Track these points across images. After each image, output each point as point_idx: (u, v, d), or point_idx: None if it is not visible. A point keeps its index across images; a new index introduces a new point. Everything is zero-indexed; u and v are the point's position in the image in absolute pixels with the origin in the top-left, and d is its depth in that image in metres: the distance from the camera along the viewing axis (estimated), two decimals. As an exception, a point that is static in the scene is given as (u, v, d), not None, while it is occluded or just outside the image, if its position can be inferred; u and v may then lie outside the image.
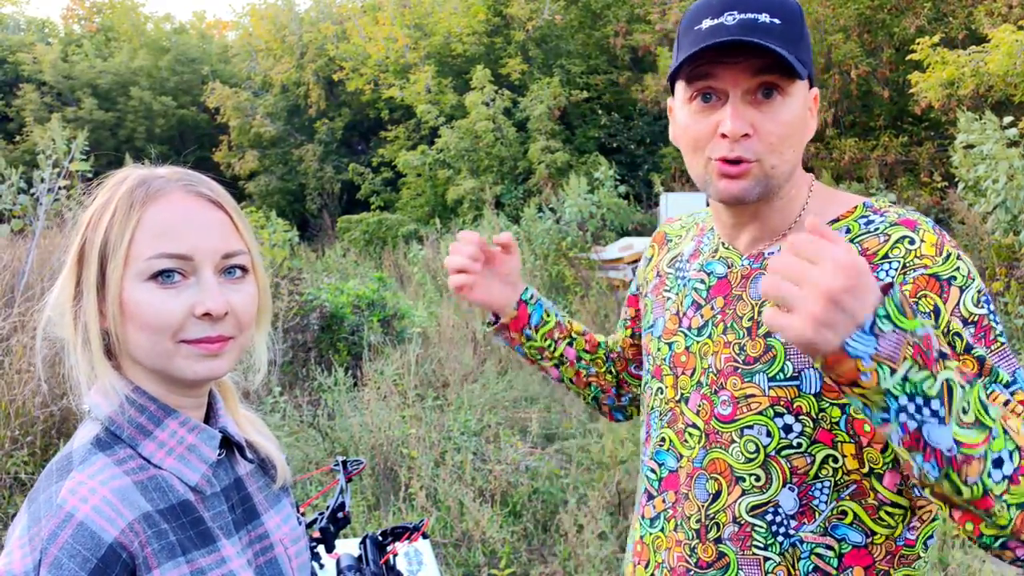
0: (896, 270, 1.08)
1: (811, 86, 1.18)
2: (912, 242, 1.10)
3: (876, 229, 1.13)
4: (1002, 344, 1.07)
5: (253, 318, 1.04)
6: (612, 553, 3.78)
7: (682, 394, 1.26)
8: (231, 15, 45.34)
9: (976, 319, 1.06)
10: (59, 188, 7.52)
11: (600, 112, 15.59)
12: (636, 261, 10.83)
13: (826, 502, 1.13)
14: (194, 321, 0.97)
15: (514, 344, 1.56)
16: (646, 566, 1.30)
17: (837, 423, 1.11)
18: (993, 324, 1.07)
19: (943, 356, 0.90)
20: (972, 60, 9.55)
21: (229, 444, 1.10)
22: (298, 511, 1.86)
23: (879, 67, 12.49)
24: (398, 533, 1.88)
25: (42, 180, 7.37)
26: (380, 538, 1.84)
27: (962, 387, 0.90)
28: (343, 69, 17.03)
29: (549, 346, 1.53)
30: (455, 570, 3.80)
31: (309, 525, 1.87)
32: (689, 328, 1.28)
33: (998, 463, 0.92)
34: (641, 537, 1.31)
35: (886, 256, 1.10)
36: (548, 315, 1.54)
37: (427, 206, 14.70)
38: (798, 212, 1.21)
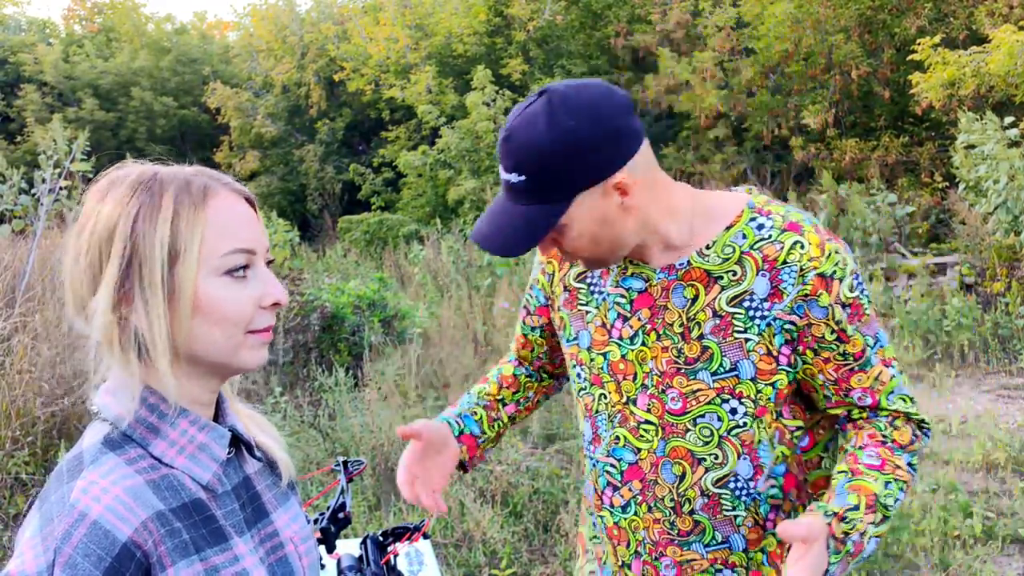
0: (796, 273, 1.28)
1: (609, 175, 1.26)
2: (803, 247, 1.29)
3: (770, 236, 1.31)
4: (867, 315, 1.34)
5: None
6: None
7: (628, 397, 1.41)
8: (232, 16, 45.35)
9: (851, 301, 1.31)
10: (60, 188, 7.52)
11: (601, 112, 15.59)
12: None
13: (768, 456, 1.38)
14: (260, 311, 1.03)
15: (483, 456, 1.65)
16: (627, 545, 1.45)
17: (769, 398, 1.35)
18: (862, 301, 1.32)
19: (863, 532, 1.25)
20: (973, 60, 9.54)
21: (237, 442, 1.10)
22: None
23: (880, 67, 12.48)
24: (399, 533, 1.88)
25: (43, 180, 7.38)
26: (381, 538, 1.85)
27: (874, 521, 1.26)
28: (344, 69, 17.03)
29: (500, 426, 1.65)
30: (456, 570, 3.80)
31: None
32: (620, 339, 1.41)
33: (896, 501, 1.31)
34: (616, 523, 1.45)
35: (785, 262, 1.29)
36: (476, 415, 1.63)
37: (428, 206, 14.70)
38: (690, 222, 1.35)
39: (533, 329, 1.65)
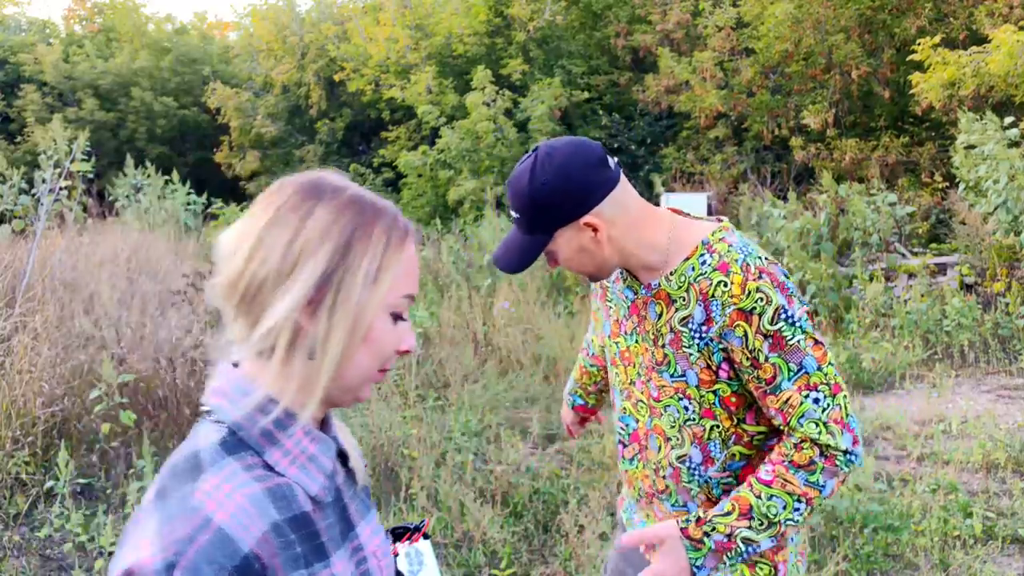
0: (720, 306, 1.54)
1: (578, 218, 1.58)
2: (726, 285, 1.53)
3: (705, 272, 1.57)
4: (791, 345, 1.52)
5: None
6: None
7: (631, 379, 1.76)
8: (232, 16, 45.35)
9: (771, 334, 1.52)
10: (60, 189, 7.52)
11: (601, 113, 15.59)
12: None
13: (719, 452, 1.67)
14: (393, 355, 1.07)
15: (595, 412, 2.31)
16: (632, 487, 1.84)
17: (713, 403, 1.64)
18: (784, 333, 1.52)
19: (730, 534, 1.55)
20: (973, 60, 9.54)
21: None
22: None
23: (880, 67, 12.48)
24: (399, 533, 1.88)
25: (43, 181, 7.38)
26: (381, 539, 1.85)
27: (748, 526, 1.55)
28: (344, 70, 17.02)
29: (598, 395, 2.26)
30: (456, 570, 3.80)
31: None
32: (625, 333, 1.75)
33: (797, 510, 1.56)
34: (626, 470, 1.84)
35: (712, 295, 1.55)
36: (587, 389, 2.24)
37: (428, 206, 14.70)
38: (665, 250, 1.63)
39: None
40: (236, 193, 17.90)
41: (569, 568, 3.73)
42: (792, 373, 1.53)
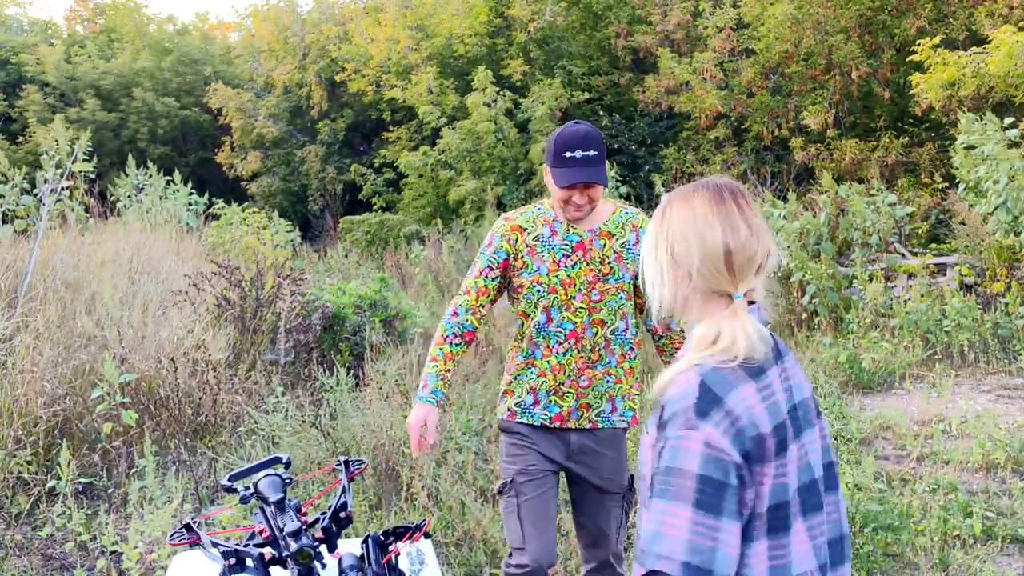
0: (644, 232, 2.20)
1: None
2: (644, 222, 2.72)
3: (631, 216, 2.75)
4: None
5: None
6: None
7: (571, 295, 2.65)
8: (234, 16, 45.37)
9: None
10: (62, 189, 7.54)
11: (601, 113, 15.59)
12: (637, 262, 10.83)
13: (632, 320, 2.74)
14: None
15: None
16: (563, 372, 2.67)
17: (630, 291, 2.72)
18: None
19: None
20: (973, 61, 9.55)
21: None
22: (300, 512, 1.88)
23: (880, 68, 12.48)
24: (400, 533, 1.90)
25: (45, 181, 7.39)
26: (382, 538, 1.86)
27: None
28: (345, 70, 17.03)
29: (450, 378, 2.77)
30: (457, 570, 3.81)
31: (311, 525, 1.88)
32: (565, 266, 2.66)
33: None
34: (558, 361, 2.67)
35: (640, 227, 2.72)
36: (439, 387, 2.69)
37: (429, 207, 14.71)
38: (600, 212, 2.70)
39: (493, 279, 2.72)
40: (237, 193, 17.91)
41: (569, 567, 3.74)
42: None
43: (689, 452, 1.37)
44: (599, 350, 2.67)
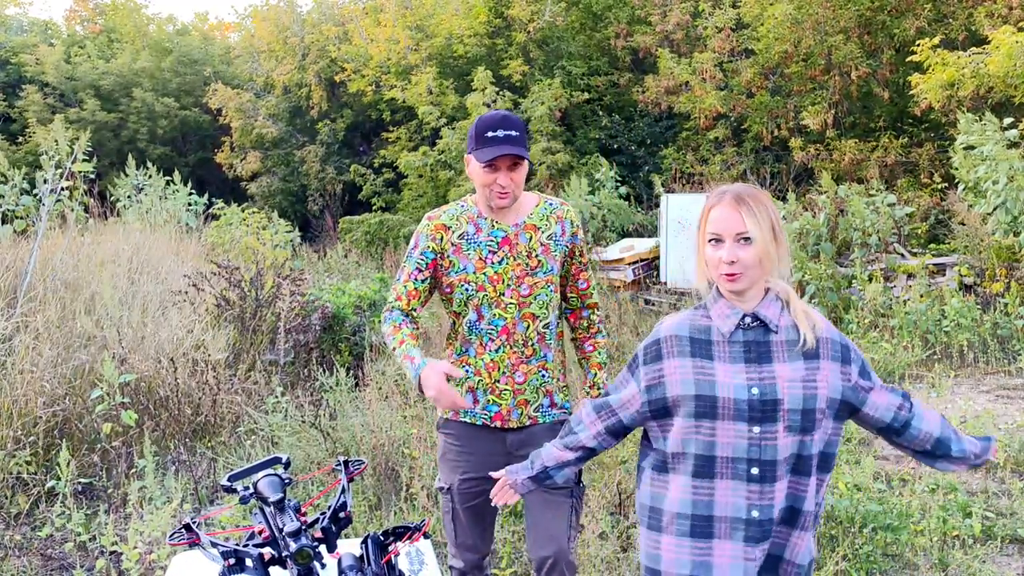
0: (570, 223, 2.72)
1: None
2: (568, 212, 2.74)
3: (555, 208, 2.72)
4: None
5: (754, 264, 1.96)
6: (613, 553, 3.80)
7: (500, 292, 2.63)
8: (233, 16, 45.38)
9: (583, 240, 2.78)
10: (62, 189, 7.54)
11: (601, 113, 15.60)
12: (637, 262, 10.83)
13: (556, 311, 2.73)
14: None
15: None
16: (498, 369, 2.66)
17: (556, 282, 2.70)
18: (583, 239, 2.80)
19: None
20: (972, 61, 9.55)
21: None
22: (300, 512, 1.88)
23: (879, 68, 12.49)
24: (399, 533, 1.90)
25: (45, 181, 7.39)
26: (382, 538, 1.86)
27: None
28: (345, 70, 17.04)
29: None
30: (456, 570, 3.80)
31: (311, 525, 1.88)
32: (492, 263, 2.63)
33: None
34: (492, 359, 2.66)
35: (565, 218, 2.71)
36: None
37: (429, 207, 14.69)
38: (524, 206, 2.69)
39: (423, 280, 2.66)
40: (237, 193, 17.91)
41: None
42: (589, 261, 2.85)
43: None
44: (532, 344, 2.66)
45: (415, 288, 2.66)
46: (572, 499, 2.66)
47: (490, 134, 2.52)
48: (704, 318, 2.03)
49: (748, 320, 1.98)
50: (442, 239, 2.66)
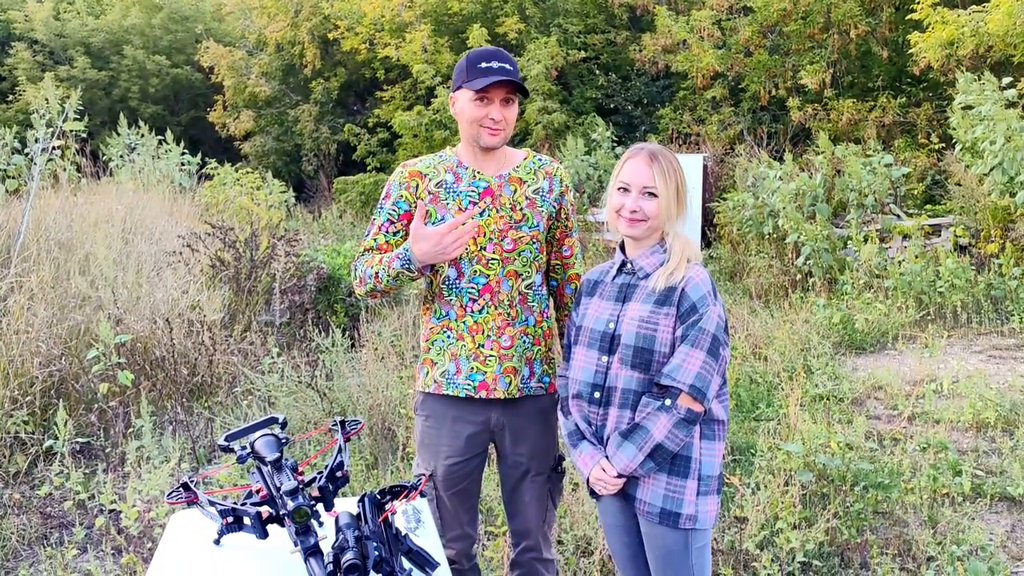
0: (559, 180, 2.56)
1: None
2: (558, 170, 2.57)
3: (544, 164, 2.56)
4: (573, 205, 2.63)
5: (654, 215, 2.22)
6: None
7: (481, 246, 2.42)
8: (224, -28, 44.61)
9: (572, 202, 2.62)
10: (53, 148, 7.47)
11: (598, 73, 15.45)
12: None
13: (543, 271, 2.56)
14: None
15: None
16: (482, 332, 2.45)
17: (544, 240, 2.52)
18: (573, 203, 2.63)
19: None
20: (972, 20, 9.46)
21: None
22: (297, 471, 1.89)
23: (879, 26, 12.36)
24: (396, 492, 1.91)
25: (36, 140, 7.32)
26: (378, 497, 1.87)
27: None
28: (338, 28, 16.82)
29: None
30: (452, 528, 3.84)
31: (308, 484, 1.89)
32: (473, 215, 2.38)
33: None
34: (475, 320, 2.45)
35: (554, 175, 2.54)
36: None
37: (424, 167, 14.63)
38: (510, 158, 2.52)
39: (396, 233, 2.47)
40: (231, 153, 17.77)
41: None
42: (575, 227, 2.64)
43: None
44: (516, 306, 2.46)
45: (386, 242, 2.47)
46: (550, 483, 2.60)
47: (484, 64, 2.33)
48: (611, 264, 2.38)
49: (629, 266, 2.29)
50: (417, 187, 2.45)
